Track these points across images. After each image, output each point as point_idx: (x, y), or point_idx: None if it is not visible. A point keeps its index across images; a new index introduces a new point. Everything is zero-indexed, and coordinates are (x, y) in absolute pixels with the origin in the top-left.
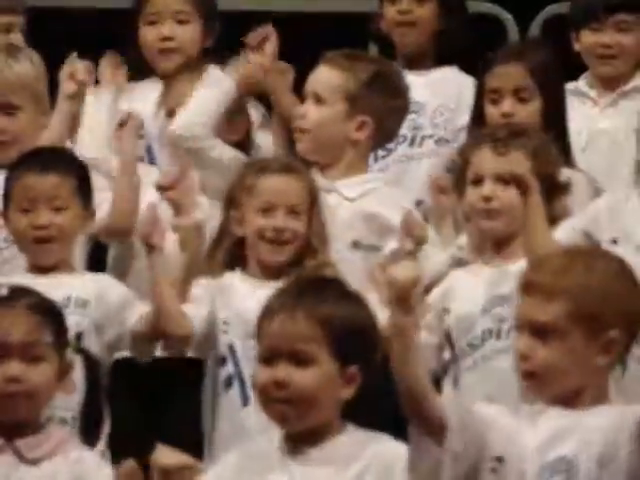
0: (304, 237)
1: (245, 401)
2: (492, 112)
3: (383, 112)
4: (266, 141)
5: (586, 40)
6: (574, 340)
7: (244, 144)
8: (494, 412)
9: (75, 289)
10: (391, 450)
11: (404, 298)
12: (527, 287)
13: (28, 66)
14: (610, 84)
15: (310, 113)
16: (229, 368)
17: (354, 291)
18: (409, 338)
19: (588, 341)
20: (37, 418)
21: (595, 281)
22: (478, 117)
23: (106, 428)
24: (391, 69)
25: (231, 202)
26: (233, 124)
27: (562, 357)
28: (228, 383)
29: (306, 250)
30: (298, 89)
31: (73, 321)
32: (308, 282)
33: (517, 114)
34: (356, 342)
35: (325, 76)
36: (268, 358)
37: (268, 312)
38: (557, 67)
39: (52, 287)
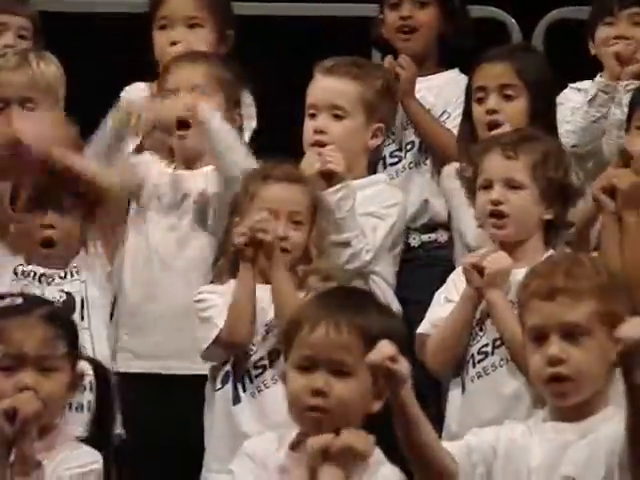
0: (303, 247)
1: (236, 400)
2: (478, 110)
3: (390, 117)
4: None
5: (600, 35)
6: (600, 339)
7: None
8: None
9: None
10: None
11: None
12: (551, 293)
13: (55, 70)
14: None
15: (332, 127)
16: (229, 365)
17: (388, 305)
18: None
19: (608, 339)
20: (47, 425)
21: (606, 279)
22: (468, 116)
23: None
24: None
25: (235, 209)
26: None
27: (594, 358)
28: (225, 380)
29: (302, 257)
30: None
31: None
32: (347, 293)
33: (502, 111)
34: None
35: (339, 87)
36: (306, 366)
37: (307, 321)
38: (547, 68)
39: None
